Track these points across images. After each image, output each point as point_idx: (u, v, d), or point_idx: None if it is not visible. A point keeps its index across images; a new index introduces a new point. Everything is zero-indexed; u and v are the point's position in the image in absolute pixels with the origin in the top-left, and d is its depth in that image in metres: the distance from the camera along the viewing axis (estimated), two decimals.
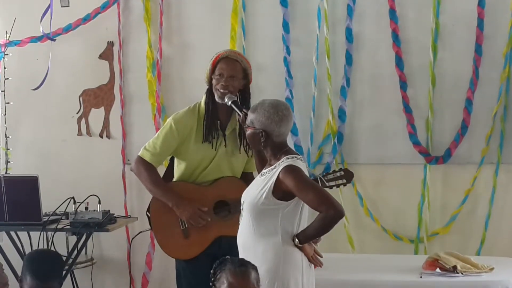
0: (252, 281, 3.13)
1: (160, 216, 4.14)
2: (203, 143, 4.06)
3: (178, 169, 4.16)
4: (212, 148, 4.06)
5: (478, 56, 5.20)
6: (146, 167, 4.11)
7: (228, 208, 4.07)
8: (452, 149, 5.23)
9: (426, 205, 5.31)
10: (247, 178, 4.11)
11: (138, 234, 5.03)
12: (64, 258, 5.04)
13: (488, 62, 5.23)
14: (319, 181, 4.01)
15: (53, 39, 5.65)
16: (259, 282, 3.18)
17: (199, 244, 4.09)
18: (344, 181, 4.08)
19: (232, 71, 4.02)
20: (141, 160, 4.14)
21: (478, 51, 5.20)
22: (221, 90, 3.99)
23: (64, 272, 4.82)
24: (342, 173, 4.08)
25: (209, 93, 4.09)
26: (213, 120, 4.07)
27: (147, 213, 4.21)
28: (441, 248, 4.91)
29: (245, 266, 3.14)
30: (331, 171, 4.11)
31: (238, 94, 4.09)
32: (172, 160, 4.26)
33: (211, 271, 3.16)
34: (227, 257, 3.18)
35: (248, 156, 4.15)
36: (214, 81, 4.04)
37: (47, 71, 5.64)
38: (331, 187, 4.05)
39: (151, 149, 4.11)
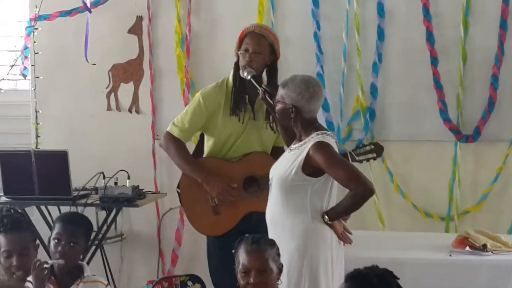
0: (266, 258, 3.13)
1: (190, 192, 4.16)
2: (231, 118, 4.06)
3: (208, 145, 4.18)
4: (239, 121, 4.07)
5: (503, 31, 5.14)
6: (174, 143, 4.13)
7: (258, 184, 4.08)
8: (481, 127, 5.18)
9: (457, 183, 5.27)
10: (278, 153, 4.11)
11: (168, 210, 5.04)
12: (94, 233, 5.10)
13: None
14: (349, 155, 4.00)
15: (90, 10, 5.63)
16: (277, 258, 3.19)
17: (228, 221, 4.11)
18: (374, 155, 4.08)
19: (257, 46, 4.02)
20: (169, 135, 4.16)
21: (503, 26, 5.14)
22: (245, 66, 3.99)
23: (91, 238, 4.89)
24: (372, 147, 4.08)
25: (237, 67, 4.08)
26: (241, 93, 4.06)
27: (177, 189, 4.23)
28: (472, 226, 4.87)
29: (257, 244, 3.15)
30: (361, 145, 4.10)
31: (265, 69, 4.07)
32: (202, 136, 4.27)
33: (233, 249, 3.18)
34: (246, 235, 3.19)
35: (274, 133, 4.14)
36: (240, 56, 4.03)
37: (86, 42, 5.62)
38: (361, 161, 4.06)
39: (179, 125, 4.12)
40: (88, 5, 5.64)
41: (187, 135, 4.16)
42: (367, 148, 4.08)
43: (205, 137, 4.21)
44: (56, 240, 3.48)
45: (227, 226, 4.09)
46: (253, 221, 4.00)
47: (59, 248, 3.45)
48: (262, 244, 3.16)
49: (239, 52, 4.05)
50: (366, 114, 5.36)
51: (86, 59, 5.61)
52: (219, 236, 4.12)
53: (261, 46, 4.02)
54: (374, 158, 4.10)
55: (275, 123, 4.05)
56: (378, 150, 4.09)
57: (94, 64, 5.61)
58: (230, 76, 4.12)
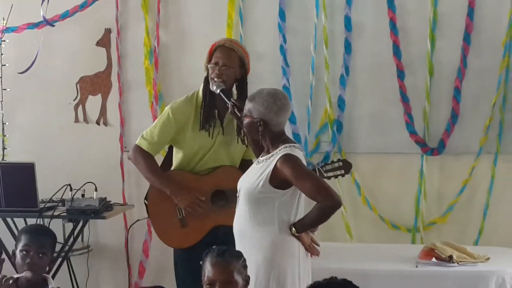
0: (231, 270, 3.13)
1: (157, 204, 4.15)
2: (200, 132, 4.07)
3: (176, 157, 4.17)
4: (209, 136, 4.07)
5: (467, 45, 5.21)
6: (143, 156, 4.12)
7: (226, 198, 4.08)
8: (445, 139, 5.24)
9: (423, 194, 5.32)
10: (246, 166, 4.12)
11: (135, 222, 5.04)
12: (60, 245, 5.07)
13: (487, 51, 5.24)
14: (317, 171, 4.01)
15: (52, 25, 5.64)
16: (243, 270, 3.18)
17: (196, 233, 4.10)
18: (343, 171, 4.09)
19: (227, 59, 4.01)
20: (138, 148, 4.15)
21: (466, 39, 5.21)
22: (215, 79, 4.00)
23: (58, 255, 4.86)
24: (341, 163, 4.09)
25: (206, 81, 4.09)
26: (211, 108, 4.07)
27: (145, 200, 4.22)
28: (438, 237, 4.92)
29: (223, 256, 3.14)
30: (329, 162, 4.11)
31: (235, 84, 4.09)
32: (170, 148, 4.27)
33: (200, 261, 3.18)
34: (213, 247, 3.19)
35: (246, 146, 4.16)
36: (210, 70, 4.04)
37: (36, 55, 5.63)
38: (329, 177, 4.06)
39: (148, 138, 4.12)
40: (56, 18, 5.64)
41: (156, 148, 4.15)
42: (336, 164, 4.09)
43: (174, 149, 4.21)
44: (24, 252, 3.44)
45: (194, 239, 4.09)
46: (221, 234, 4.00)
47: (28, 260, 3.42)
48: (228, 256, 3.15)
49: (209, 66, 4.06)
50: (334, 126, 5.39)
51: (24, 71, 5.62)
52: (186, 249, 4.11)
53: (231, 60, 4.03)
54: (343, 175, 4.11)
55: (246, 137, 4.06)
56: (346, 166, 4.11)
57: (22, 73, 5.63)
58: (200, 90, 4.12)
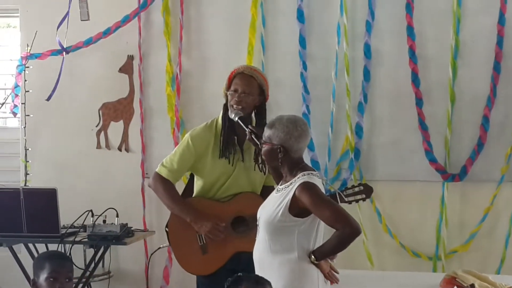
0: None
1: (178, 231, 4.16)
2: (221, 159, 4.10)
3: (197, 185, 4.19)
4: (229, 164, 4.09)
5: (497, 73, 5.21)
6: (163, 183, 4.14)
7: (247, 224, 4.10)
8: (468, 166, 5.23)
9: (444, 222, 5.30)
10: (268, 192, 4.14)
11: (157, 250, 5.01)
12: (81, 271, 5.10)
13: (510, 80, 5.24)
14: (338, 196, 4.01)
15: (67, 51, 5.70)
16: None
17: (217, 260, 4.10)
18: (364, 196, 4.08)
19: (247, 86, 4.02)
20: (158, 176, 4.17)
21: (496, 68, 5.21)
22: (234, 106, 4.02)
23: (79, 281, 4.87)
24: (361, 188, 4.08)
25: (226, 108, 4.12)
26: (230, 135, 4.09)
27: (166, 228, 4.24)
28: (460, 266, 4.88)
29: (262, 285, 3.15)
30: (350, 186, 4.09)
31: (254, 111, 4.11)
32: (192, 176, 4.30)
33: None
34: (240, 274, 3.18)
35: (264, 174, 4.18)
36: (228, 97, 4.07)
37: (57, 81, 5.69)
38: (350, 202, 4.05)
39: (168, 166, 4.14)
40: (79, 45, 5.72)
41: (176, 176, 4.17)
42: (356, 189, 4.08)
43: (195, 177, 4.24)
44: (51, 279, 3.46)
45: (215, 265, 4.08)
46: (243, 260, 3.98)
47: (57, 286, 3.44)
48: (266, 284, 3.16)
49: (228, 93, 4.09)
50: (349, 154, 5.40)
51: (48, 97, 5.68)
52: (209, 275, 4.12)
53: (250, 87, 4.03)
54: (364, 199, 4.10)
55: (263, 164, 4.08)
56: (367, 191, 4.09)
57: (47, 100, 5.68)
58: (219, 117, 4.15)
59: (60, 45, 5.66)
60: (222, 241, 4.07)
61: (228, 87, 4.08)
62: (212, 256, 4.11)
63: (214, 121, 4.16)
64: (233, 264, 4.05)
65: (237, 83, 4.04)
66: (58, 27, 5.64)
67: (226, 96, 4.10)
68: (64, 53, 5.70)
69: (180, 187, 4.30)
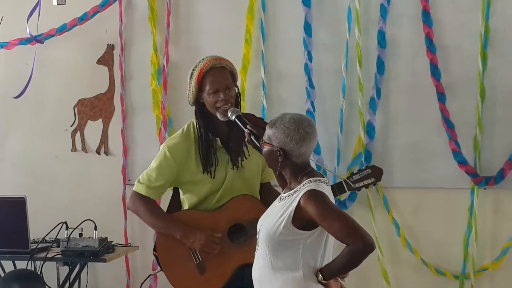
0: None
1: (168, 252, 4.15)
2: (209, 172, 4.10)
3: (187, 198, 4.17)
4: (211, 177, 4.09)
5: None
6: (143, 202, 4.14)
7: (245, 232, 4.09)
8: (507, 170, 5.18)
9: (473, 236, 5.27)
10: (266, 189, 4.18)
11: (147, 277, 4.94)
12: None
13: None
14: (344, 184, 4.04)
15: (41, 42, 5.70)
16: None
17: (218, 278, 4.09)
18: (373, 179, 4.12)
19: (225, 81, 4.03)
20: (136, 195, 4.16)
21: None
22: (224, 107, 4.00)
23: None
24: (370, 171, 4.12)
25: (200, 115, 4.10)
26: (210, 143, 4.08)
27: (154, 252, 4.24)
28: (491, 285, 4.91)
29: None
30: (357, 171, 4.13)
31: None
32: (175, 190, 4.29)
33: None
34: None
35: (260, 167, 4.17)
36: (208, 100, 4.02)
37: (30, 76, 5.69)
38: (359, 189, 4.09)
39: (145, 182, 4.13)
40: (52, 32, 5.71)
41: (156, 192, 4.14)
42: (364, 172, 4.11)
43: (180, 190, 4.23)
44: None
45: (217, 285, 4.06)
46: (246, 276, 3.95)
47: None
48: None
49: (204, 95, 4.05)
50: (361, 157, 5.39)
51: (18, 95, 5.67)
52: None
53: (227, 79, 4.03)
54: (374, 183, 4.13)
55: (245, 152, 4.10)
56: (376, 173, 4.12)
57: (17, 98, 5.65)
58: (194, 121, 4.15)
59: (31, 35, 5.64)
60: (220, 256, 4.07)
61: (199, 89, 4.05)
62: (211, 275, 4.10)
63: (191, 126, 4.15)
64: (236, 282, 4.05)
65: (213, 82, 4.02)
66: (30, 14, 5.61)
67: (197, 99, 4.08)
68: (35, 42, 5.69)
69: (163, 204, 4.29)
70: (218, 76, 4.03)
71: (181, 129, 4.18)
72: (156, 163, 4.13)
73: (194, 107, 4.13)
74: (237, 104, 4.10)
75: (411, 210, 5.44)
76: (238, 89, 4.15)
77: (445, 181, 5.36)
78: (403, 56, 5.39)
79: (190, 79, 4.07)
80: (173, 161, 4.08)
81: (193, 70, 4.06)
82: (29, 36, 5.67)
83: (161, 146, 4.16)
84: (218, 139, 4.08)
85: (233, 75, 4.10)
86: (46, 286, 3.58)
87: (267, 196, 4.13)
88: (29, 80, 5.71)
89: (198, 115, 4.10)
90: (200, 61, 4.07)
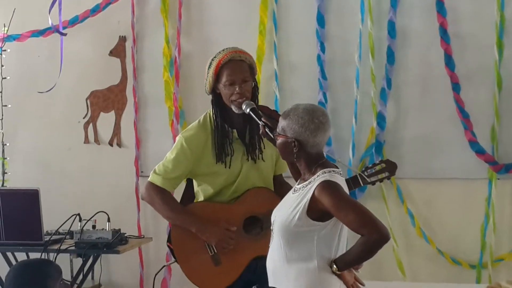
0: None
1: (183, 244, 4.14)
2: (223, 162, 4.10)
3: (202, 190, 4.17)
4: (226, 167, 4.09)
5: None
6: (159, 193, 4.11)
7: (260, 224, 4.09)
8: None
9: (491, 225, 5.27)
10: (278, 182, 4.17)
11: (162, 268, 4.96)
12: (68, 284, 5.12)
13: None
14: (359, 178, 4.03)
15: (63, 34, 5.69)
16: None
17: (233, 270, 4.07)
18: (388, 174, 4.10)
19: (242, 74, 3.99)
20: (152, 186, 4.14)
21: None
22: (239, 100, 4.00)
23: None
24: (384, 165, 4.10)
25: (216, 104, 4.10)
26: (226, 133, 4.08)
27: (168, 244, 4.24)
28: (508, 275, 4.89)
29: None
30: (371, 165, 4.12)
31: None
32: (189, 181, 4.29)
33: None
34: (253, 287, 3.20)
35: (274, 159, 4.17)
36: (224, 91, 4.02)
37: (60, 72, 5.69)
38: (373, 183, 4.08)
39: (162, 173, 4.11)
40: (64, 24, 5.69)
41: (172, 184, 4.12)
42: (378, 167, 4.11)
43: (195, 182, 4.23)
44: None
45: (232, 277, 4.04)
46: (259, 269, 3.96)
47: None
48: None
49: (220, 86, 4.03)
50: (372, 148, 5.39)
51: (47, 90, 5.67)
52: None
53: (244, 73, 4.00)
54: (388, 178, 4.11)
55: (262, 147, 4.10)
56: (391, 167, 4.11)
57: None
58: (211, 112, 4.14)
59: (53, 25, 5.61)
60: (236, 248, 4.07)
61: (215, 81, 4.06)
62: (226, 267, 4.09)
63: (207, 117, 4.13)
64: (249, 274, 4.04)
65: (230, 74, 4.00)
66: (51, 6, 5.59)
67: (213, 89, 4.09)
68: (50, 33, 5.69)
69: (176, 196, 4.30)
70: (236, 69, 4.00)
71: (197, 121, 4.17)
72: (173, 154, 4.11)
73: (210, 97, 4.11)
74: (254, 98, 4.07)
75: (425, 200, 5.44)
76: (256, 83, 4.12)
77: (460, 172, 5.35)
78: (415, 47, 5.39)
79: (208, 69, 4.05)
80: (190, 152, 4.06)
81: (212, 60, 4.04)
82: (44, 28, 5.66)
83: (178, 137, 4.15)
84: (235, 130, 4.08)
85: (252, 69, 4.07)
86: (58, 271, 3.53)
87: (280, 188, 4.13)
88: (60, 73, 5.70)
89: (214, 104, 4.10)
90: (220, 52, 4.04)
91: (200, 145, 4.07)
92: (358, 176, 4.05)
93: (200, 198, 4.18)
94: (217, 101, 4.06)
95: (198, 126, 4.13)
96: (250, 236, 4.09)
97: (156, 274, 4.86)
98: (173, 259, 4.25)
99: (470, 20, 5.31)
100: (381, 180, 4.11)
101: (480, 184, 5.31)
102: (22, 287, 3.33)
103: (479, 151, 5.23)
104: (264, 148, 4.12)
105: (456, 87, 5.27)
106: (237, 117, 4.04)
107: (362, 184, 4.09)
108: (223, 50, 4.04)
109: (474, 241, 5.34)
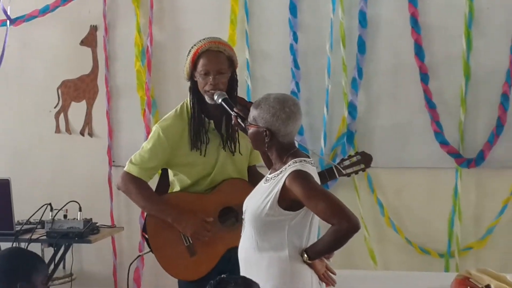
0: None
1: (159, 234, 4.14)
2: (197, 150, 4.10)
3: (178, 180, 4.17)
4: (201, 155, 4.09)
5: None
6: (134, 183, 4.10)
7: (235, 215, 4.10)
8: (486, 151, 5.23)
9: (458, 215, 5.31)
10: (252, 173, 4.18)
11: (136, 258, 4.93)
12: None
13: None
14: (335, 169, 4.06)
15: (12, 21, 5.64)
16: None
17: (208, 261, 4.09)
18: (363, 166, 4.14)
19: (218, 65, 3.98)
20: (128, 176, 4.13)
21: None
22: (211, 91, 4.00)
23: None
24: (359, 157, 4.13)
25: (193, 92, 4.10)
26: (201, 122, 4.08)
27: (143, 233, 4.24)
28: (476, 264, 4.91)
29: (249, 286, 3.15)
30: (346, 156, 4.15)
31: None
32: (164, 171, 4.29)
33: None
34: (223, 276, 3.19)
35: (248, 150, 4.17)
36: (199, 80, 4.03)
37: (2, 55, 5.66)
38: (348, 175, 4.11)
39: (138, 163, 4.10)
40: (34, 13, 5.68)
41: (148, 174, 4.11)
42: (354, 159, 4.14)
43: (171, 172, 4.23)
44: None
45: (207, 267, 4.04)
46: (233, 260, 3.95)
47: None
48: (254, 286, 3.15)
49: (196, 75, 4.02)
50: (343, 137, 5.41)
51: None
52: (197, 280, 4.12)
53: (221, 64, 3.98)
54: (363, 169, 4.14)
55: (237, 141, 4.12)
56: (366, 159, 4.13)
57: None
58: (188, 101, 4.15)
59: (6, 15, 5.60)
60: (211, 239, 4.08)
61: (192, 68, 4.05)
62: (201, 257, 4.10)
63: (184, 106, 4.13)
64: (223, 264, 4.05)
65: (206, 64, 3.99)
66: None
67: (191, 77, 4.09)
68: (20, 23, 5.67)
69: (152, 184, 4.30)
70: (212, 59, 3.99)
71: (174, 110, 4.16)
72: (149, 144, 4.10)
73: (188, 86, 4.09)
74: (232, 90, 4.07)
75: (395, 190, 5.48)
76: (235, 76, 4.11)
77: (428, 161, 5.39)
78: (386, 36, 5.41)
79: (187, 56, 4.05)
80: (166, 142, 4.06)
81: (192, 47, 4.04)
82: (27, 12, 5.66)
83: (154, 127, 4.14)
84: (212, 121, 4.08)
85: (230, 61, 4.05)
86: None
87: (254, 179, 4.13)
88: (1, 56, 5.67)
89: (191, 92, 4.09)
90: (200, 40, 4.03)
91: (177, 135, 4.07)
92: (334, 168, 4.07)
93: (176, 188, 4.18)
94: (195, 88, 4.06)
95: (175, 115, 4.12)
96: (225, 227, 4.10)
97: (131, 264, 4.87)
98: (147, 249, 4.25)
99: (440, 10, 5.33)
100: (356, 172, 4.14)
101: (448, 173, 5.34)
102: (8, 272, 3.32)
103: (443, 142, 5.29)
104: (239, 139, 4.12)
105: (424, 77, 5.31)
106: (214, 109, 4.03)
107: (338, 176, 4.12)
108: (204, 39, 4.04)
109: (442, 230, 5.39)
